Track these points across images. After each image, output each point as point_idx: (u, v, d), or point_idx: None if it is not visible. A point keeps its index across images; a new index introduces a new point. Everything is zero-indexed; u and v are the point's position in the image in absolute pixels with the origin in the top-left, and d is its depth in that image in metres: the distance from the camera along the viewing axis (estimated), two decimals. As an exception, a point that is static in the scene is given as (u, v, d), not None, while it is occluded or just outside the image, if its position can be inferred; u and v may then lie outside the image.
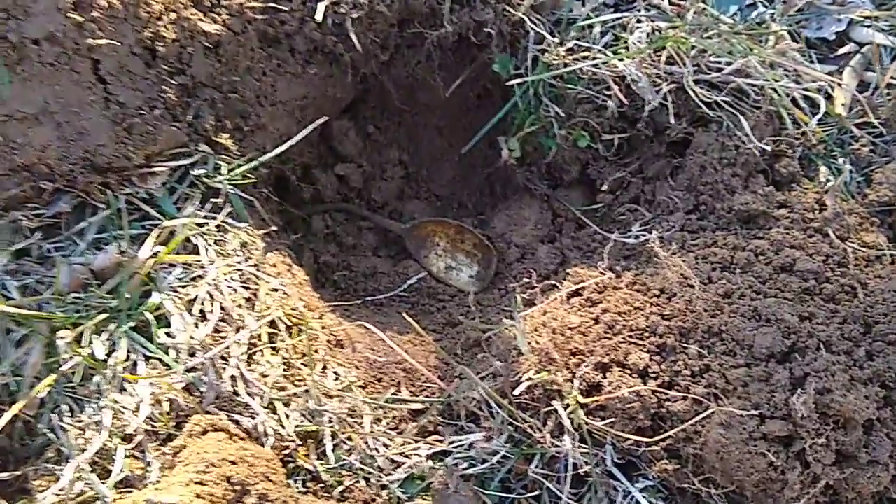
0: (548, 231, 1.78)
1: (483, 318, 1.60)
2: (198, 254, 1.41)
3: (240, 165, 1.50)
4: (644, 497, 1.36)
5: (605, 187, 1.73)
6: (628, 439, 1.32)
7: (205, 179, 1.47)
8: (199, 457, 1.17)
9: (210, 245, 1.43)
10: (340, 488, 1.31)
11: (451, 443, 1.37)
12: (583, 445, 1.34)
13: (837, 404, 1.24)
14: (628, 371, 1.37)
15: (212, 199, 1.48)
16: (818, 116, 1.66)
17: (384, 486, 1.33)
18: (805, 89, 1.65)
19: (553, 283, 1.63)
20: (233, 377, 1.34)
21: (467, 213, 1.91)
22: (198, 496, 1.09)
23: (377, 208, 1.90)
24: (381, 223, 1.84)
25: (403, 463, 1.36)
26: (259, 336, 1.38)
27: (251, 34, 1.52)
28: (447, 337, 1.59)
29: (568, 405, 1.33)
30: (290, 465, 1.31)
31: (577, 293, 1.56)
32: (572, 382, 1.35)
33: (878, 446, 1.27)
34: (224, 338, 1.35)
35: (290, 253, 1.62)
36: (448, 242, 1.80)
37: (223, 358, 1.35)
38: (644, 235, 1.62)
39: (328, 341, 1.46)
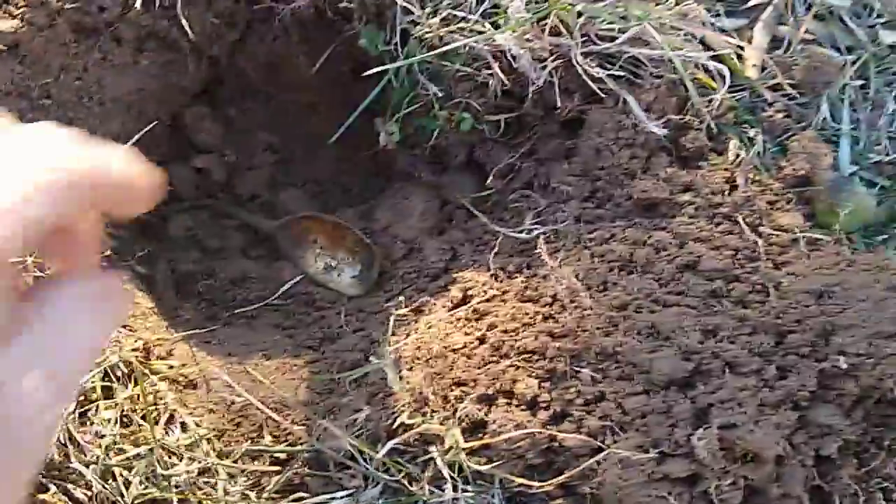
0: (436, 222, 1.59)
1: (363, 332, 1.43)
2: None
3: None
4: (541, 540, 1.23)
5: (493, 171, 1.53)
6: (516, 481, 1.18)
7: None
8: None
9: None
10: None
11: (316, 501, 1.21)
12: (467, 489, 1.20)
13: (744, 441, 1.11)
14: (515, 402, 1.22)
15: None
16: (726, 82, 1.48)
17: (244, 556, 1.18)
18: (711, 56, 1.46)
19: (442, 284, 1.46)
20: (62, 441, 1.16)
21: (351, 202, 1.70)
22: None
23: (245, 202, 1.68)
24: (248, 220, 1.63)
25: (265, 526, 1.21)
26: (92, 388, 1.20)
27: (61, 27, 1.28)
28: (324, 356, 1.42)
29: (448, 449, 1.18)
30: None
31: (463, 301, 1.39)
32: (452, 420, 1.20)
33: (790, 478, 1.14)
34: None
35: (141, 271, 1.42)
36: (327, 239, 1.59)
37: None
38: (537, 229, 1.44)
39: (177, 382, 1.28)
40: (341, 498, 1.20)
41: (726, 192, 1.42)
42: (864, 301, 1.21)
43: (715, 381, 1.17)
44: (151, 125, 1.35)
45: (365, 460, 1.21)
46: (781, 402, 1.16)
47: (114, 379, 1.22)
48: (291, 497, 1.22)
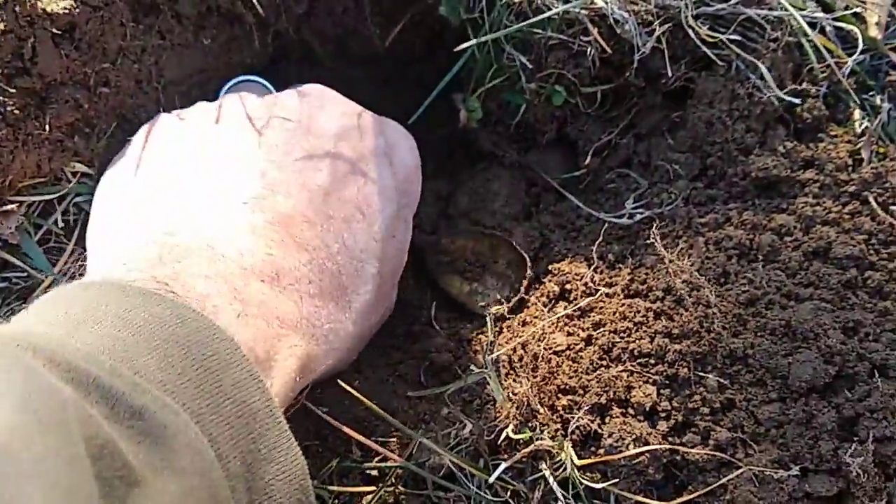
0: (522, 206, 1.45)
1: (450, 332, 1.32)
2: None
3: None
4: (660, 562, 1.11)
5: (587, 149, 1.40)
6: (634, 500, 1.06)
7: (83, 206, 1.15)
8: None
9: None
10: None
11: (421, 522, 1.10)
12: (580, 507, 1.08)
13: (901, 455, 0.98)
14: (632, 412, 1.09)
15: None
16: (856, 46, 1.32)
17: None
18: (834, 17, 1.30)
19: (534, 275, 1.34)
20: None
21: (427, 186, 1.56)
22: None
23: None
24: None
25: (364, 547, 1.10)
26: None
27: (118, 6, 1.16)
28: (407, 356, 1.30)
29: (560, 465, 1.06)
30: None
31: (562, 296, 1.27)
32: (563, 435, 1.08)
33: (951, 496, 1.01)
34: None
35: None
36: (478, 262, 1.38)
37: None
38: (640, 213, 1.31)
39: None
40: (442, 521, 1.10)
41: (851, 168, 1.28)
42: None
43: (861, 387, 1.03)
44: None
45: (467, 478, 1.10)
46: (938, 410, 1.03)
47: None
48: (394, 516, 1.11)
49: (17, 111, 1.07)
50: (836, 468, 1.00)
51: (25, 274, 1.10)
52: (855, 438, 1.00)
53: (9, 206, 1.09)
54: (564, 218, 1.40)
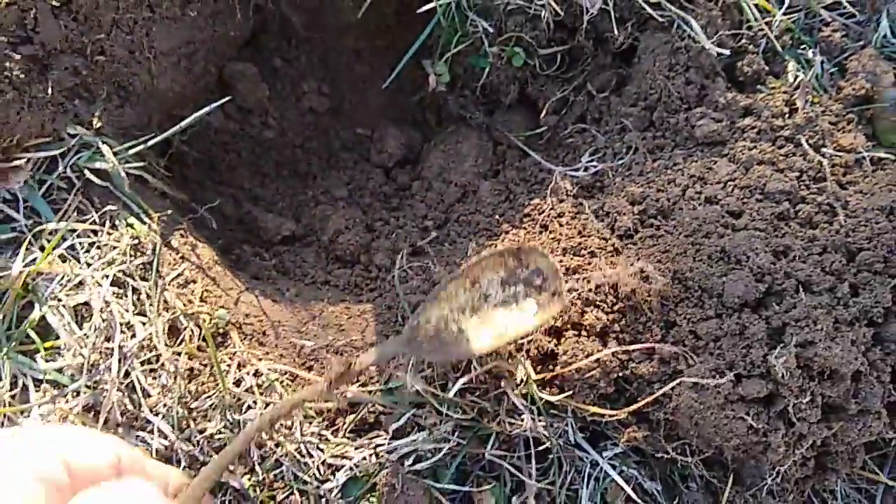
0: (489, 165, 1.58)
1: (425, 275, 1.43)
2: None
3: (132, 146, 1.29)
4: (613, 466, 1.23)
5: (546, 107, 1.51)
6: (589, 411, 1.18)
7: (83, 167, 1.26)
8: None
9: (95, 243, 1.24)
10: None
11: (394, 438, 1.21)
12: (540, 419, 1.19)
13: (821, 358, 1.09)
14: (585, 333, 1.21)
15: (94, 188, 1.27)
16: (784, 3, 1.44)
17: (322, 496, 1.19)
18: (765, -25, 1.42)
19: (499, 222, 1.45)
20: (134, 394, 1.18)
21: (401, 148, 1.68)
22: None
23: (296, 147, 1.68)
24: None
25: (342, 466, 1.21)
26: (156, 343, 1.20)
27: (111, -20, 1.28)
28: (387, 298, 1.41)
29: (520, 382, 1.18)
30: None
31: (518, 234, 1.38)
32: (521, 354, 1.19)
33: (868, 394, 1.13)
34: (122, 348, 1.18)
35: (208, 221, 1.44)
36: (469, 317, 1.17)
37: (126, 373, 1.18)
38: (595, 166, 1.43)
39: (244, 329, 1.29)
40: (417, 436, 1.21)
41: (787, 115, 1.39)
42: (938, 211, 1.18)
43: (788, 300, 1.14)
44: (212, 106, 1.33)
45: (437, 399, 1.21)
46: (856, 320, 1.15)
47: (182, 330, 1.23)
48: (367, 436, 1.22)
49: (21, 76, 1.19)
50: (766, 372, 1.12)
51: (31, 221, 1.22)
52: (781, 345, 1.11)
53: (17, 162, 1.21)
54: (528, 172, 1.52)
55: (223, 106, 1.52)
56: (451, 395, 1.17)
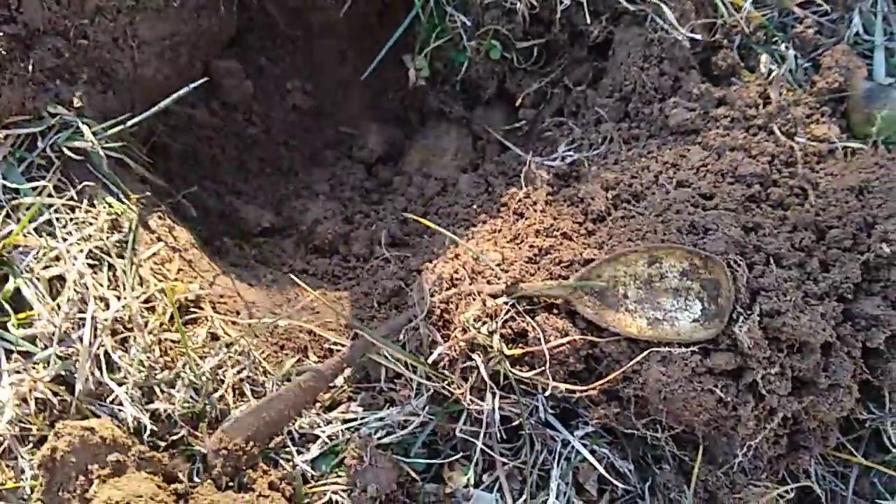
0: (469, 160, 1.60)
1: (402, 263, 1.44)
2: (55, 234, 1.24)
3: (109, 128, 1.31)
4: (585, 445, 1.22)
5: (524, 101, 1.54)
6: (560, 387, 1.17)
7: (62, 145, 1.28)
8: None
9: (72, 219, 1.25)
10: (244, 476, 1.15)
11: (366, 411, 1.22)
12: (512, 396, 1.19)
13: (790, 328, 1.09)
14: (556, 311, 1.21)
15: (73, 167, 1.30)
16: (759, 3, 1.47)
17: (294, 466, 1.18)
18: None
19: (477, 213, 1.46)
20: (106, 364, 1.18)
21: (383, 144, 1.71)
22: None
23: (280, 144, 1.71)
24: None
25: (316, 438, 1.21)
26: (130, 316, 1.21)
27: (95, -34, 1.31)
28: (364, 285, 1.42)
29: (490, 358, 1.17)
30: (184, 452, 1.17)
31: (497, 228, 1.39)
32: (493, 334, 1.19)
33: (838, 368, 1.13)
34: (94, 320, 1.18)
35: (187, 208, 1.46)
36: (639, 287, 1.19)
37: (98, 347, 1.18)
38: (571, 156, 1.44)
39: (217, 308, 1.30)
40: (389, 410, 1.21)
41: (760, 106, 1.41)
42: (906, 190, 1.19)
43: (758, 269, 1.14)
44: (191, 86, 1.35)
45: (413, 372, 1.21)
46: (826, 294, 1.15)
47: (155, 305, 1.24)
48: (340, 409, 1.23)
49: (3, 52, 1.22)
50: (734, 345, 1.12)
51: (9, 197, 1.23)
52: (744, 317, 1.11)
53: (-4, 137, 1.23)
54: (507, 165, 1.54)
55: (207, 101, 1.55)
56: (431, 358, 1.17)
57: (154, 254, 1.29)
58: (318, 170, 1.70)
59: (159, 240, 1.32)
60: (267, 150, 1.70)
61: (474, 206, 1.47)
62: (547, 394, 1.16)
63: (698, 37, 1.41)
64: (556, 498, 1.20)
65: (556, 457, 1.22)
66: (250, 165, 1.68)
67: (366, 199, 1.63)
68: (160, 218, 1.35)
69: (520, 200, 1.40)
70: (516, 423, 1.21)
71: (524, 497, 1.20)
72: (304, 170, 1.71)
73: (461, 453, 1.23)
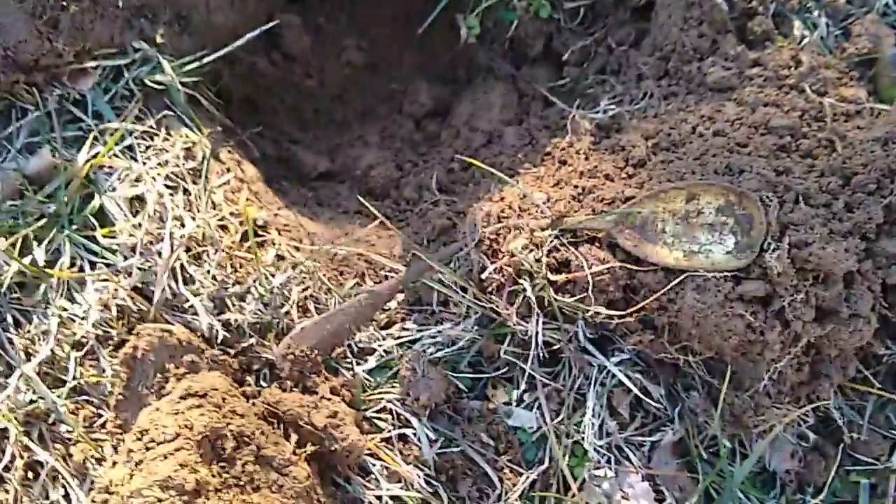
0: (514, 114, 1.69)
1: (451, 204, 1.53)
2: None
3: (185, 64, 1.42)
4: (620, 370, 1.31)
5: (569, 59, 1.63)
6: (599, 314, 1.26)
7: (144, 78, 1.39)
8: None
9: (151, 146, 1.36)
10: (308, 381, 1.25)
11: (419, 330, 1.32)
12: (554, 322, 1.29)
13: (816, 257, 1.18)
14: (598, 244, 1.30)
15: (152, 99, 1.40)
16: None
17: (354, 374, 1.28)
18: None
19: (521, 161, 1.56)
20: (182, 277, 1.28)
21: (433, 100, 1.81)
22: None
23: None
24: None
25: (373, 351, 1.31)
26: (205, 234, 1.32)
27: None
28: (414, 226, 1.52)
29: (535, 284, 1.27)
30: (252, 362, 1.27)
31: (541, 175, 1.49)
32: (539, 261, 1.29)
33: (859, 300, 1.21)
34: (172, 235, 1.29)
35: (249, 146, 1.56)
36: (676, 223, 1.28)
37: (175, 261, 1.29)
38: (613, 109, 1.54)
39: (283, 233, 1.40)
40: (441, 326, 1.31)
41: (793, 68, 1.50)
42: (928, 139, 1.27)
43: (788, 207, 1.23)
44: (263, 28, 1.46)
45: (463, 295, 1.31)
46: (850, 233, 1.23)
47: (228, 230, 1.34)
48: (396, 328, 1.33)
49: (97, -11, 1.33)
50: (763, 274, 1.21)
51: (96, 122, 1.34)
52: (776, 245, 1.20)
53: (87, 65, 1.34)
54: (551, 120, 1.64)
55: (269, 52, 1.66)
56: (485, 274, 1.26)
57: (225, 182, 1.40)
58: (370, 123, 1.80)
59: (229, 171, 1.42)
60: (322, 102, 1.81)
61: (519, 156, 1.56)
62: (589, 313, 1.24)
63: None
64: (592, 418, 1.30)
65: (593, 381, 1.32)
66: (306, 116, 1.79)
67: (415, 150, 1.74)
68: (230, 152, 1.45)
69: (563, 149, 1.50)
70: (556, 347, 1.30)
71: (561, 416, 1.29)
72: (357, 122, 1.81)
73: (505, 373, 1.33)
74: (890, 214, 1.26)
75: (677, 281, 1.23)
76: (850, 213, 1.25)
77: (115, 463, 1.08)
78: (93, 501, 1.05)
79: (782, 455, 1.34)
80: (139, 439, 1.08)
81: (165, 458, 1.05)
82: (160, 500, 1.00)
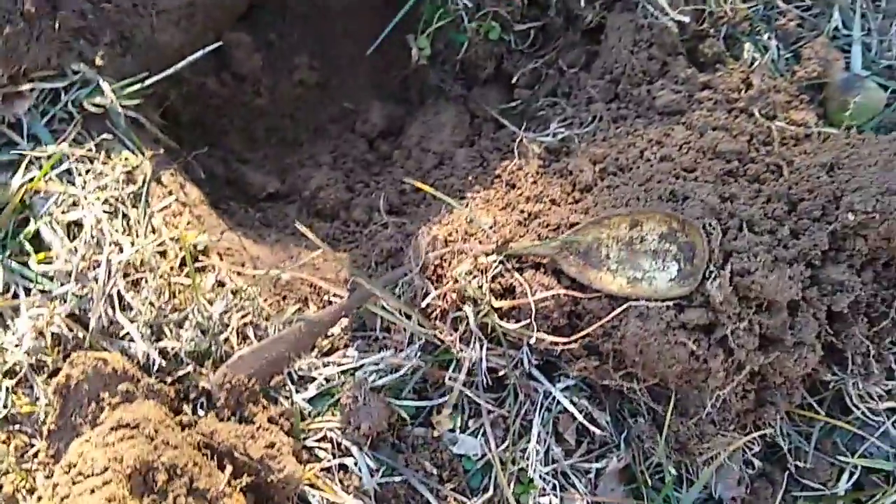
0: (466, 136, 1.68)
1: (399, 228, 1.52)
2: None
3: (126, 86, 1.39)
4: (566, 396, 1.30)
5: (520, 81, 1.63)
6: (544, 340, 1.25)
7: (83, 101, 1.36)
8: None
9: (90, 170, 1.34)
10: (245, 410, 1.23)
11: (361, 356, 1.30)
12: (499, 348, 1.27)
13: (759, 286, 1.17)
14: (542, 270, 1.29)
15: (92, 122, 1.38)
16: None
17: (293, 403, 1.26)
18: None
19: (471, 184, 1.55)
20: (120, 304, 1.26)
21: (384, 120, 1.79)
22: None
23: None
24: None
25: (313, 379, 1.29)
26: (143, 260, 1.29)
27: (118, -64, 1.40)
28: (363, 248, 1.50)
29: (479, 310, 1.25)
30: (189, 390, 1.25)
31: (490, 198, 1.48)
32: (482, 287, 1.27)
33: (804, 327, 1.20)
34: (109, 262, 1.26)
35: (195, 168, 1.54)
36: (621, 249, 1.27)
37: (112, 287, 1.26)
38: (562, 132, 1.53)
39: (225, 258, 1.38)
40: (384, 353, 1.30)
41: (743, 91, 1.50)
42: (873, 165, 1.27)
43: (732, 234, 1.22)
44: (208, 48, 1.45)
45: (407, 321, 1.29)
46: (795, 260, 1.22)
47: (166, 254, 1.32)
48: (338, 355, 1.31)
49: (32, 10, 1.30)
50: (706, 301, 1.20)
51: (32, 145, 1.32)
52: (717, 274, 1.19)
53: (23, 88, 1.31)
54: (501, 142, 1.63)
55: (218, 72, 1.64)
56: (425, 302, 1.25)
57: (166, 206, 1.37)
58: (321, 142, 1.79)
59: (171, 194, 1.40)
60: (273, 121, 1.79)
61: (469, 178, 1.55)
62: (532, 340, 1.23)
63: (686, 19, 1.49)
64: (537, 444, 1.28)
65: (538, 407, 1.30)
66: (257, 135, 1.77)
67: (367, 171, 1.72)
68: (172, 175, 1.43)
69: (512, 172, 1.49)
70: (502, 373, 1.28)
71: (507, 443, 1.28)
72: (308, 142, 1.79)
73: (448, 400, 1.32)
74: (835, 241, 1.26)
75: (621, 309, 1.22)
76: (795, 240, 1.25)
77: (40, 498, 1.05)
78: (16, 539, 1.02)
79: (728, 482, 1.33)
80: (66, 473, 1.05)
81: (93, 492, 1.02)
82: (85, 537, 0.97)
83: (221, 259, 1.37)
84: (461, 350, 1.26)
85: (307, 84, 1.81)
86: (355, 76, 1.84)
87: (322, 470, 1.23)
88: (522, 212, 1.36)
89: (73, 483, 1.04)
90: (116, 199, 1.32)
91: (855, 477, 1.34)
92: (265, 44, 1.75)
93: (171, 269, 1.30)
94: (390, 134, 1.79)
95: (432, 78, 1.72)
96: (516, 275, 1.27)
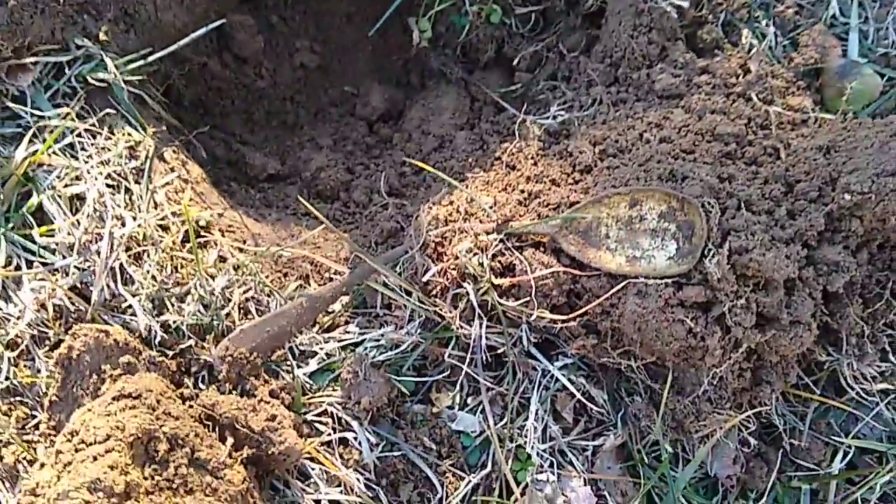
0: (466, 119, 1.69)
1: (399, 209, 1.53)
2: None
3: (129, 62, 1.40)
4: (564, 375, 1.31)
5: (520, 65, 1.64)
6: (543, 318, 1.26)
7: (86, 76, 1.37)
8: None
9: (94, 144, 1.34)
10: (246, 383, 1.24)
11: (361, 332, 1.31)
12: (498, 326, 1.28)
13: (756, 264, 1.18)
14: (542, 248, 1.30)
15: (95, 97, 1.38)
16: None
17: (294, 377, 1.27)
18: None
19: (471, 166, 1.56)
20: (122, 277, 1.26)
21: (386, 103, 1.80)
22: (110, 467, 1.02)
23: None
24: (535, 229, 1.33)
25: (314, 354, 1.30)
26: (145, 235, 1.30)
27: (128, -86, 1.40)
28: (363, 229, 1.51)
29: (479, 288, 1.26)
30: (190, 363, 1.25)
31: (490, 179, 1.49)
32: (483, 265, 1.28)
33: (799, 306, 1.22)
34: (112, 235, 1.27)
35: (196, 147, 1.54)
36: (620, 228, 1.28)
37: (114, 261, 1.27)
38: (562, 115, 1.54)
39: (226, 235, 1.38)
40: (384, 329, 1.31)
41: (740, 76, 1.51)
42: (869, 147, 1.28)
43: (730, 213, 1.24)
44: (211, 26, 1.45)
45: (407, 298, 1.30)
46: (791, 240, 1.24)
47: (169, 229, 1.32)
48: (339, 331, 1.31)
49: (36, -16, 1.31)
50: (704, 279, 1.21)
51: (35, 118, 1.32)
52: (715, 251, 1.20)
53: (26, 61, 1.31)
54: (502, 125, 1.64)
55: (220, 53, 1.64)
56: (427, 277, 1.25)
57: (168, 182, 1.38)
58: (322, 125, 1.80)
59: (173, 170, 1.40)
60: (274, 104, 1.80)
61: (469, 161, 1.56)
62: (532, 318, 1.24)
63: (685, 4, 1.50)
64: (535, 422, 1.30)
65: (536, 385, 1.32)
66: (257, 117, 1.78)
67: (367, 153, 1.73)
68: (174, 152, 1.43)
69: (512, 154, 1.50)
70: (501, 351, 1.29)
71: (505, 420, 1.29)
72: (308, 124, 1.80)
73: (449, 379, 1.32)
74: (831, 222, 1.27)
75: (619, 286, 1.23)
76: (792, 221, 1.26)
77: (42, 465, 1.06)
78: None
79: (724, 460, 1.34)
80: (69, 440, 1.06)
81: (95, 459, 1.03)
82: (87, 503, 0.98)
83: (223, 235, 1.38)
84: (461, 327, 1.27)
85: (308, 67, 1.81)
86: (356, 59, 1.85)
87: (322, 444, 1.24)
88: (522, 192, 1.37)
89: (76, 450, 1.04)
90: (119, 174, 1.33)
91: (849, 457, 1.36)
92: (267, 26, 1.76)
93: (174, 243, 1.31)
94: (391, 117, 1.81)
95: (433, 61, 1.73)
96: (516, 253, 1.28)
